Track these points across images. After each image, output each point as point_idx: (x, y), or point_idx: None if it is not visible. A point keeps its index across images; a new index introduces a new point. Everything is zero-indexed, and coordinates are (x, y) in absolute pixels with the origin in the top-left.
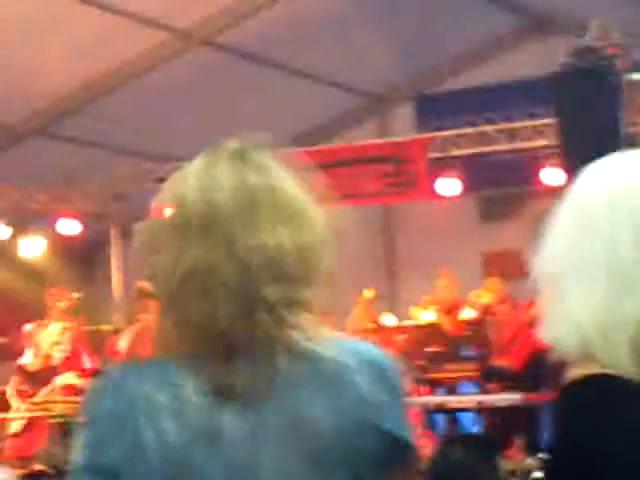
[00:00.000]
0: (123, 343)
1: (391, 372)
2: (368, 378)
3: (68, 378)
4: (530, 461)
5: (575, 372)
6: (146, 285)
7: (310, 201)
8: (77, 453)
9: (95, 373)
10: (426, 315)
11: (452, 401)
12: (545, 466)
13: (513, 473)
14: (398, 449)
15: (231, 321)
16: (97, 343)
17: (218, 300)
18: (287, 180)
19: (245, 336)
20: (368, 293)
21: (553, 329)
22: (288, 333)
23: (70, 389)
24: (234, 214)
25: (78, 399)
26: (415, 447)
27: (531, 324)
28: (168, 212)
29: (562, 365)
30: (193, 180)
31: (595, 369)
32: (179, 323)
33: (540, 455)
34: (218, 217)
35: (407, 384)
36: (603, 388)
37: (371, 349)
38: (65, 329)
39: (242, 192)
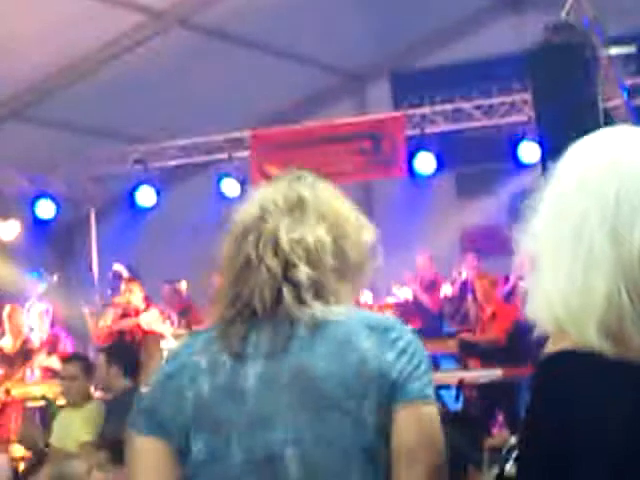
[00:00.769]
0: (103, 324)
1: (396, 334)
2: (374, 340)
3: (47, 360)
4: (514, 439)
5: (549, 347)
6: (121, 268)
7: (348, 209)
8: (140, 401)
9: (75, 357)
10: (406, 292)
11: (433, 377)
12: (518, 439)
13: (499, 450)
14: (400, 396)
15: (263, 298)
16: (76, 325)
17: (262, 282)
18: (330, 193)
19: (270, 309)
20: None
21: (531, 306)
22: (307, 308)
23: (49, 372)
24: (283, 214)
25: (57, 382)
26: (427, 396)
27: (507, 299)
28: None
29: (542, 339)
30: (258, 192)
31: (568, 344)
32: (232, 300)
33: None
34: (268, 217)
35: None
36: (570, 364)
37: (380, 317)
38: (44, 312)
39: (291, 198)
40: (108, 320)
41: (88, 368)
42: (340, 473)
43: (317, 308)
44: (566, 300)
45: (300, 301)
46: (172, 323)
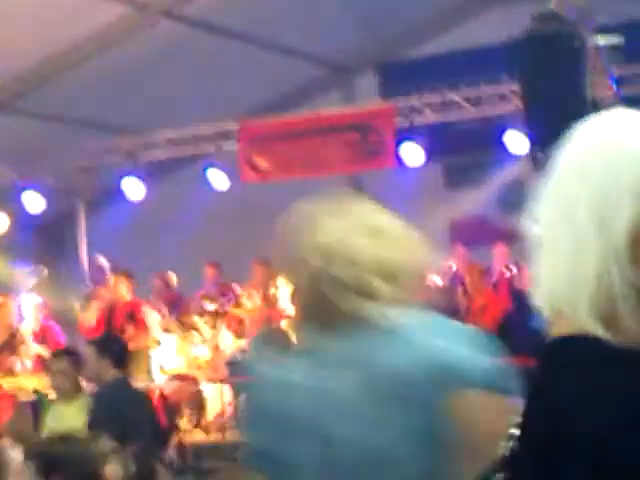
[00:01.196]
0: (90, 317)
1: (453, 331)
2: (432, 336)
3: (38, 348)
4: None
5: (548, 335)
6: (103, 261)
7: (406, 230)
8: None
9: (63, 352)
10: None
11: None
12: (519, 426)
13: None
14: (458, 383)
15: (337, 302)
16: (66, 318)
17: (340, 293)
18: (388, 217)
19: (338, 310)
20: None
21: (535, 293)
22: (370, 310)
23: (40, 362)
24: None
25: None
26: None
27: (497, 289)
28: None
29: (534, 330)
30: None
31: (565, 331)
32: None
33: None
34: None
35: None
36: (567, 350)
37: (438, 318)
38: (37, 304)
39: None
40: (92, 312)
41: (77, 362)
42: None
43: (379, 311)
44: (560, 285)
45: (368, 305)
46: (163, 316)
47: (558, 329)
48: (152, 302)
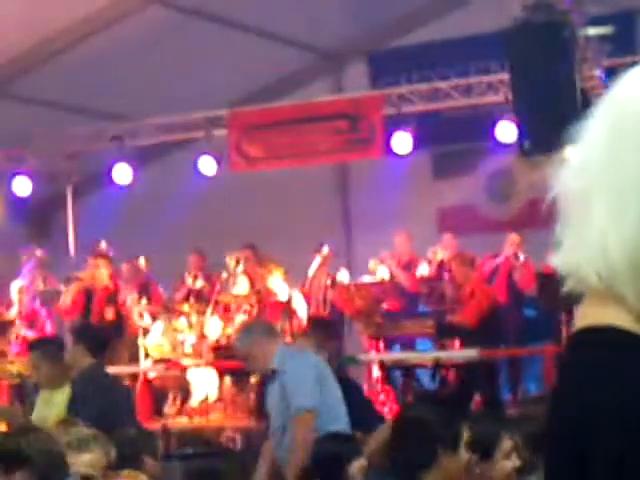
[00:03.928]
0: (66, 300)
1: None
2: None
3: (25, 331)
4: None
5: (585, 315)
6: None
7: None
8: None
9: (37, 344)
10: (382, 271)
11: (410, 357)
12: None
13: None
14: None
15: None
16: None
17: None
18: None
19: None
20: (326, 249)
21: (572, 254)
22: None
23: (25, 347)
24: None
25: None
26: None
27: (487, 280)
28: None
29: (519, 320)
30: None
31: (610, 312)
32: None
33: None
34: None
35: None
36: (611, 348)
37: None
38: (24, 287)
39: None
40: (69, 295)
41: (55, 351)
42: None
43: None
44: (628, 245)
45: None
46: (139, 300)
47: (604, 308)
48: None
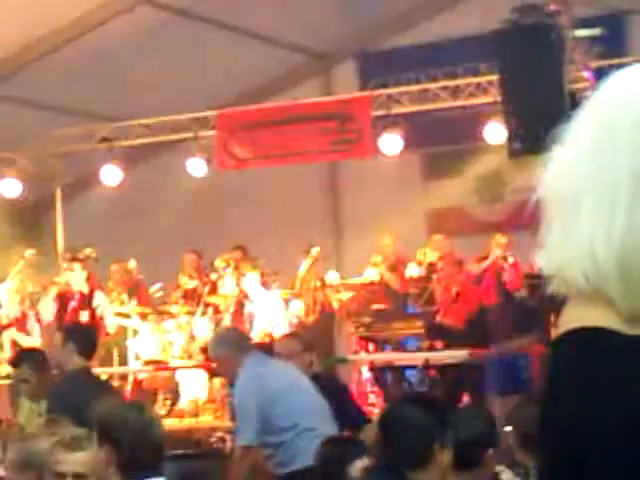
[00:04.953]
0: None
1: None
2: None
3: (15, 334)
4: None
5: (572, 317)
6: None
7: None
8: None
9: (22, 358)
10: (371, 272)
11: (399, 358)
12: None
13: None
14: None
15: None
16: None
17: None
18: None
19: None
20: (315, 250)
21: (558, 256)
22: None
23: (16, 348)
24: None
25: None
26: None
27: (475, 281)
28: None
29: (507, 321)
30: None
31: (598, 313)
32: None
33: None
34: None
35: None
36: (600, 350)
37: None
38: (13, 289)
39: None
40: (49, 298)
41: (39, 363)
42: None
43: None
44: (615, 248)
45: None
46: (121, 302)
47: (590, 309)
48: (111, 289)
